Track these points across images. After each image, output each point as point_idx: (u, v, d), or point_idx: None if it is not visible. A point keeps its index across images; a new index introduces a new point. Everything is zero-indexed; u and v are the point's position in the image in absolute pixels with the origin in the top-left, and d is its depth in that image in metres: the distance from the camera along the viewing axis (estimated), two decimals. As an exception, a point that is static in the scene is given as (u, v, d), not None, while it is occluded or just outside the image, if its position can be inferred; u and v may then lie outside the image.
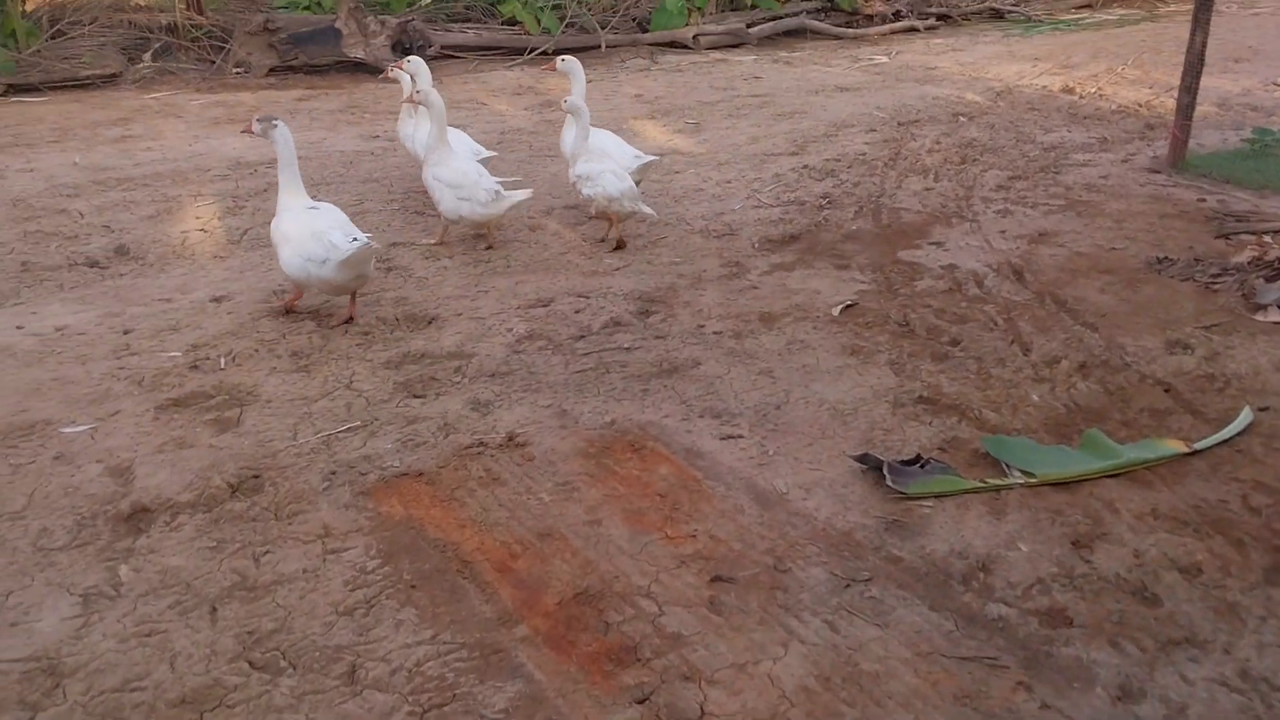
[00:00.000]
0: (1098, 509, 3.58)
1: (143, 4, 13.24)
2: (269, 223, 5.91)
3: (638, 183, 6.34)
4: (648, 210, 6.13)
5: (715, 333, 5.02)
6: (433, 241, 6.31)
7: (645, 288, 5.60)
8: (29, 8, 11.97)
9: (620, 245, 6.20)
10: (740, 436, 4.04)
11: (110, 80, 11.30)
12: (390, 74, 7.35)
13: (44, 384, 4.44)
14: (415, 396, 4.38)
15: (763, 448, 3.95)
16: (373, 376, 4.55)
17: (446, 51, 12.81)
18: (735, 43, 14.07)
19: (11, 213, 6.92)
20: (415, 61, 7.29)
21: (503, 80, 11.91)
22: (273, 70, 11.93)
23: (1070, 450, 3.90)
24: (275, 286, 5.60)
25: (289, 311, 5.22)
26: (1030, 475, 3.74)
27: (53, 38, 11.64)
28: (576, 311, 5.28)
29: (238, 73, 11.81)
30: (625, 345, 4.88)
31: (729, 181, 7.66)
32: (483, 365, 4.66)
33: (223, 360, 4.69)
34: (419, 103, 6.24)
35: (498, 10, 13.66)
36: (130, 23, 12.20)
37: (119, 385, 4.44)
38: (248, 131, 5.24)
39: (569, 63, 7.04)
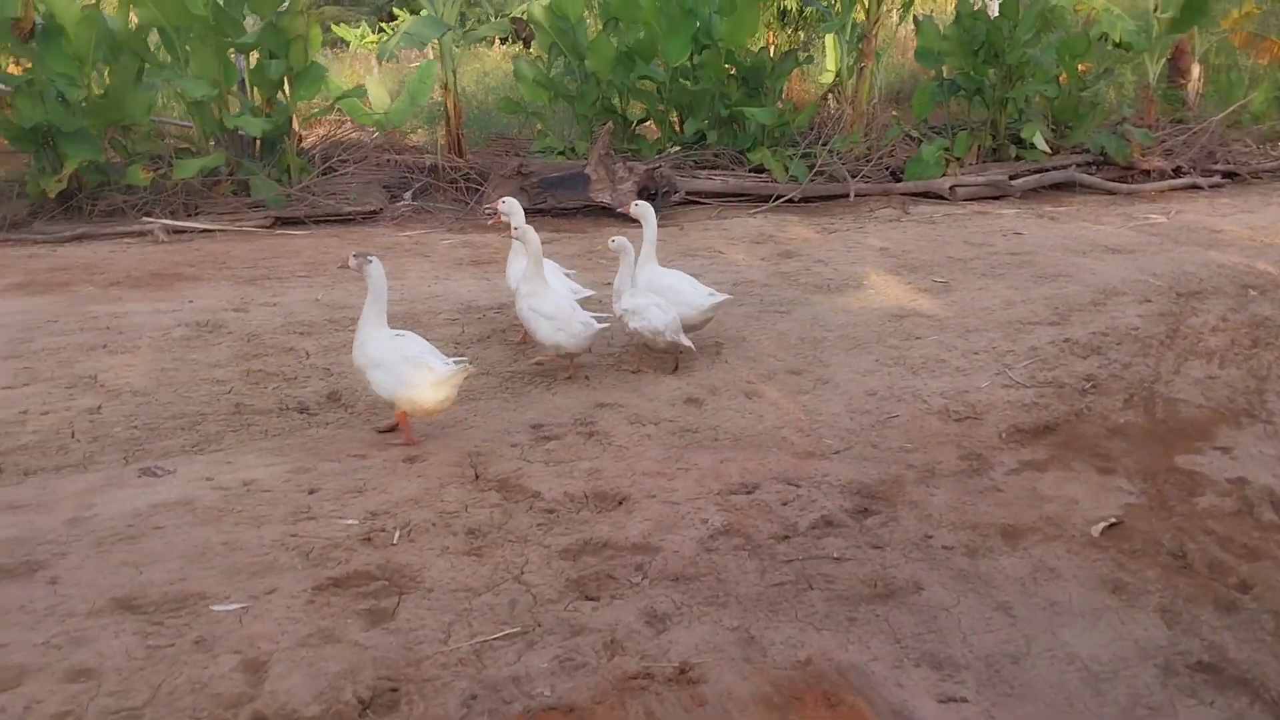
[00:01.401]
0: None
1: (412, 144, 13.94)
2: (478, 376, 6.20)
3: (709, 321, 6.77)
4: (687, 343, 6.39)
5: (944, 547, 4.28)
6: (542, 362, 6.59)
7: (867, 478, 4.94)
8: (305, 145, 12.76)
9: (636, 371, 6.52)
10: (964, 700, 3.28)
11: (370, 217, 11.78)
12: (486, 211, 7.13)
13: (212, 548, 4.23)
14: (587, 598, 3.87)
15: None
16: (546, 568, 4.08)
17: (691, 197, 12.71)
18: (996, 194, 13.31)
19: (242, 349, 7.05)
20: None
21: (744, 228, 11.62)
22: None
23: None
24: (471, 447, 5.30)
25: (390, 430, 5.47)
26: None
27: (323, 174, 12.32)
28: (783, 503, 4.67)
29: (486, 214, 12.06)
30: (834, 554, 4.22)
31: (976, 353, 6.90)
32: (667, 564, 4.11)
33: (396, 534, 4.36)
34: (516, 239, 6.62)
35: (746, 157, 13.51)
36: (395, 162, 12.79)
37: (285, 556, 4.17)
38: (344, 266, 5.48)
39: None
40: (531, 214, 12.23)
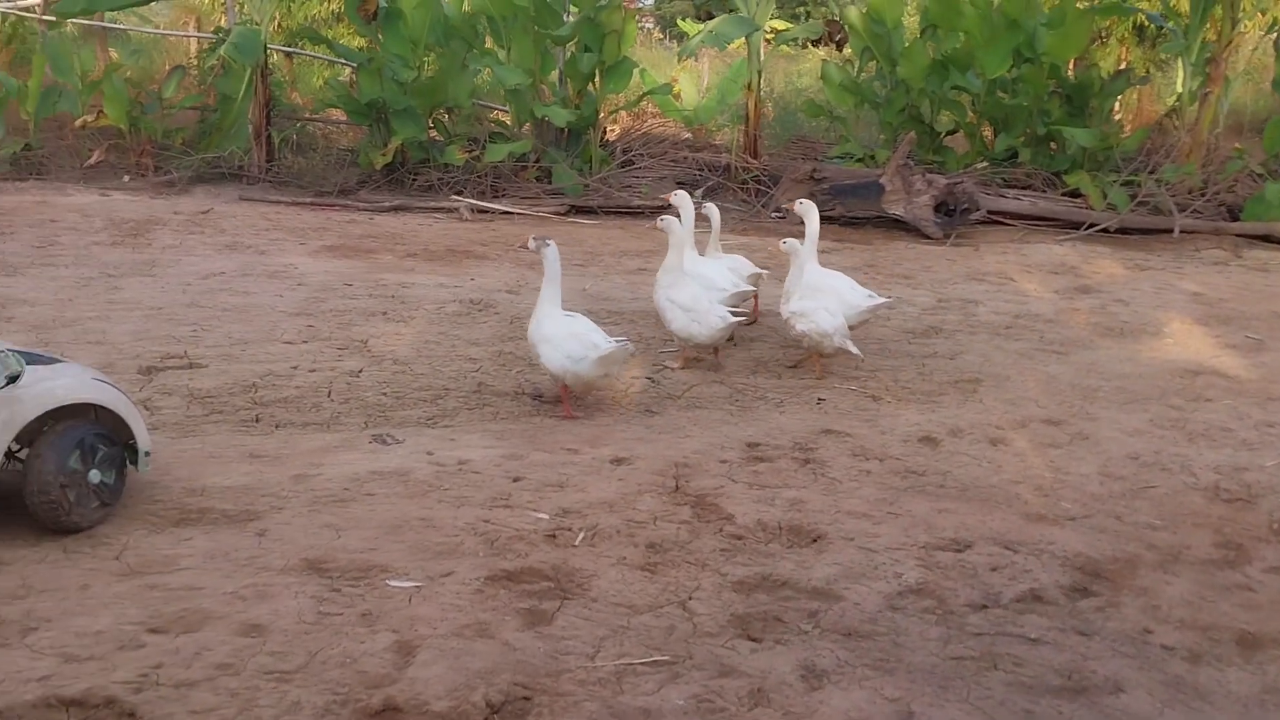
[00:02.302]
0: None
1: (712, 142, 14.04)
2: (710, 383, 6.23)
3: (866, 322, 6.93)
4: (854, 350, 6.36)
5: (1164, 646, 3.78)
6: (676, 366, 6.64)
7: (1096, 553, 4.45)
8: (608, 137, 13.14)
9: (819, 377, 6.55)
10: (1127, 833, 2.87)
11: (659, 211, 11.94)
12: (659, 225, 6.85)
13: (409, 522, 4.40)
14: (748, 638, 3.71)
15: None
16: (715, 598, 3.95)
17: (994, 216, 12.03)
18: (1351, 245, 11.71)
19: (502, 330, 7.34)
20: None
21: (1045, 255, 10.86)
22: (808, 218, 11.92)
23: None
24: (680, 457, 5.23)
25: (557, 402, 5.86)
26: None
27: (621, 166, 12.64)
28: (993, 568, 4.29)
29: (774, 217, 11.95)
30: (1032, 634, 3.82)
31: (1272, 425, 6.09)
32: (843, 617, 3.87)
33: (580, 536, 4.37)
34: (661, 229, 6.75)
35: (1060, 180, 12.62)
36: (692, 159, 12.92)
37: (471, 541, 4.28)
38: (523, 246, 5.97)
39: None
40: (822, 221, 11.97)
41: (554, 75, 12.69)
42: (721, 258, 7.59)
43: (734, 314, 6.41)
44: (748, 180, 12.46)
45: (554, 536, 4.36)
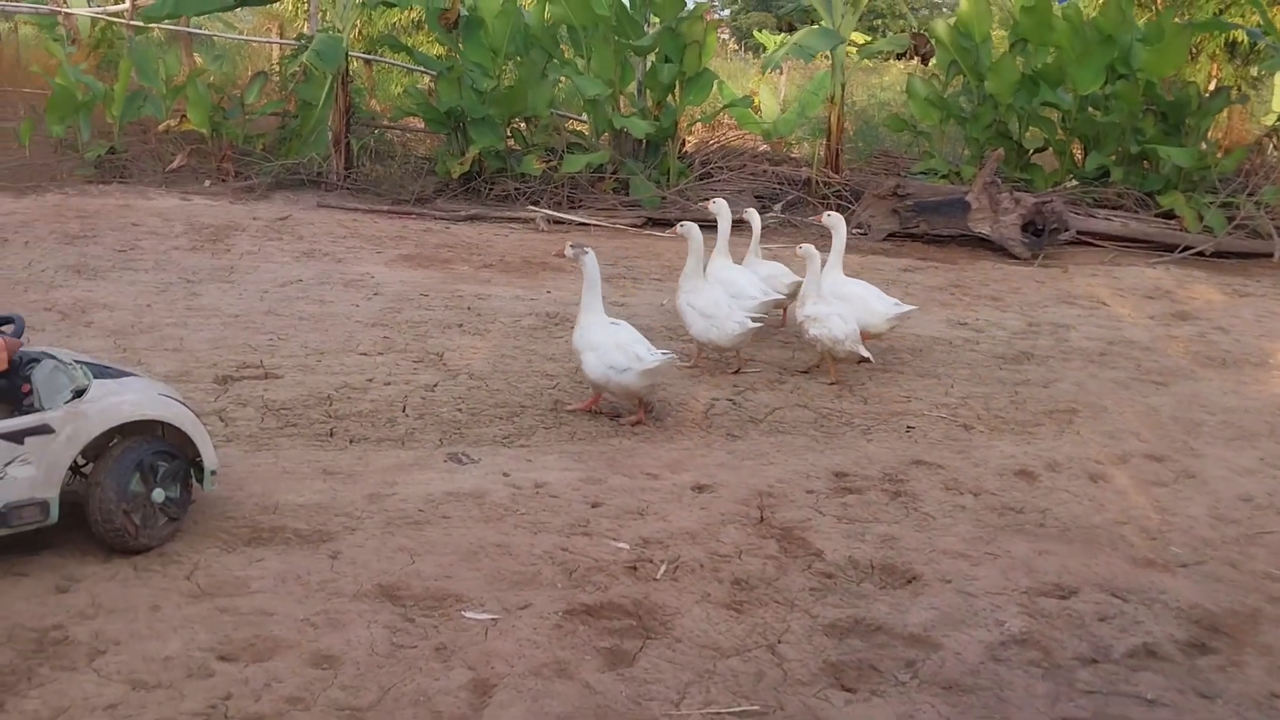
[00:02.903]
0: None
1: (792, 156, 13.81)
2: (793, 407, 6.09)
3: (891, 330, 6.93)
4: (865, 353, 6.42)
5: (1295, 714, 3.49)
6: (687, 364, 6.71)
7: (1214, 604, 4.16)
8: (686, 149, 12.97)
9: (836, 382, 6.63)
10: None
11: (735, 226, 11.72)
12: (679, 230, 6.92)
13: (485, 548, 4.25)
14: (842, 688, 3.49)
15: None
16: (806, 642, 3.74)
17: (1083, 237, 11.63)
18: None
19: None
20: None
21: (1137, 279, 10.46)
22: (891, 236, 11.65)
23: None
24: (764, 486, 5.03)
25: (587, 411, 5.87)
26: None
27: (699, 178, 12.45)
28: (1101, 618, 4.02)
29: (856, 233, 11.67)
30: (1149, 694, 3.55)
31: (1396, 470, 5.69)
32: (943, 667, 3.64)
33: (662, 569, 4.19)
34: (680, 234, 6.79)
35: (1154, 200, 12.17)
36: (771, 173, 12.70)
37: (549, 570, 4.12)
38: (560, 254, 6.05)
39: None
40: (902, 238, 11.73)
41: (632, 86, 12.56)
42: (761, 265, 7.66)
43: (754, 320, 6.44)
44: (828, 195, 12.20)
45: (635, 569, 4.18)
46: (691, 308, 6.52)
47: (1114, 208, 12.32)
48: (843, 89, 12.40)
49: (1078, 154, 12.89)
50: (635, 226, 11.58)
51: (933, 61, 14.27)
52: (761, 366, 6.93)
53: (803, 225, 11.86)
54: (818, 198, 12.28)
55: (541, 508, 4.68)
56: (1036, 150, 13.22)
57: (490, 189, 12.29)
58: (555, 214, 11.63)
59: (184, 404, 4.26)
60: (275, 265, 9.00)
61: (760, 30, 24.70)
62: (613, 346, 5.61)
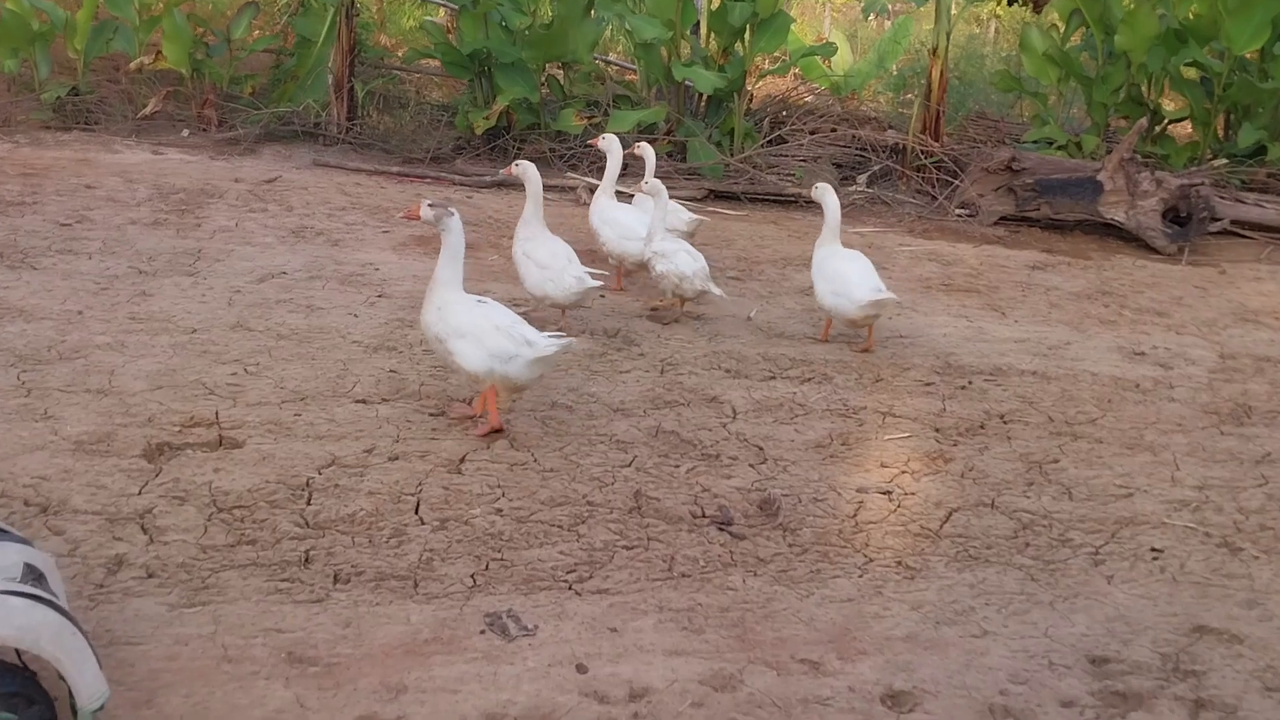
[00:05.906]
0: None
1: (872, 116, 11.76)
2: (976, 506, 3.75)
3: (876, 316, 6.10)
4: (717, 291, 6.20)
5: None
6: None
7: None
8: (753, 105, 10.92)
9: (676, 320, 6.36)
10: None
11: (812, 202, 9.78)
12: (514, 170, 6.17)
13: None
14: None
15: None
16: None
17: (1232, 227, 9.64)
18: None
19: (655, 387, 5.29)
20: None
21: (1309, 281, 8.50)
22: (1003, 219, 9.65)
23: None
24: (990, 688, 3.14)
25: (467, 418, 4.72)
26: None
27: (770, 143, 10.43)
28: None
29: (961, 215, 9.68)
30: None
31: None
32: None
33: None
34: (515, 176, 6.12)
35: (1320, 184, 10.15)
36: (855, 138, 10.65)
37: None
38: (411, 216, 4.72)
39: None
40: (1018, 222, 9.75)
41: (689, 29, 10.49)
42: (655, 203, 6.87)
43: (592, 276, 5.89)
44: (927, 165, 10.16)
45: None
46: (528, 258, 5.98)
47: (1262, 191, 10.30)
48: (948, 38, 10.29)
49: (1222, 126, 10.83)
50: (695, 200, 9.57)
51: (1047, 9, 12.14)
52: (899, 419, 5.01)
53: (896, 204, 9.88)
54: (913, 169, 10.24)
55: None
56: (1172, 120, 11.16)
57: (519, 148, 10.25)
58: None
59: (63, 612, 2.42)
60: (254, 249, 7.07)
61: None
62: (491, 330, 4.58)
